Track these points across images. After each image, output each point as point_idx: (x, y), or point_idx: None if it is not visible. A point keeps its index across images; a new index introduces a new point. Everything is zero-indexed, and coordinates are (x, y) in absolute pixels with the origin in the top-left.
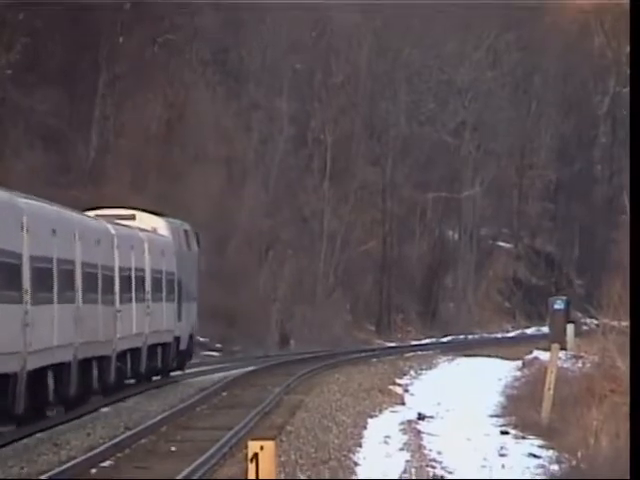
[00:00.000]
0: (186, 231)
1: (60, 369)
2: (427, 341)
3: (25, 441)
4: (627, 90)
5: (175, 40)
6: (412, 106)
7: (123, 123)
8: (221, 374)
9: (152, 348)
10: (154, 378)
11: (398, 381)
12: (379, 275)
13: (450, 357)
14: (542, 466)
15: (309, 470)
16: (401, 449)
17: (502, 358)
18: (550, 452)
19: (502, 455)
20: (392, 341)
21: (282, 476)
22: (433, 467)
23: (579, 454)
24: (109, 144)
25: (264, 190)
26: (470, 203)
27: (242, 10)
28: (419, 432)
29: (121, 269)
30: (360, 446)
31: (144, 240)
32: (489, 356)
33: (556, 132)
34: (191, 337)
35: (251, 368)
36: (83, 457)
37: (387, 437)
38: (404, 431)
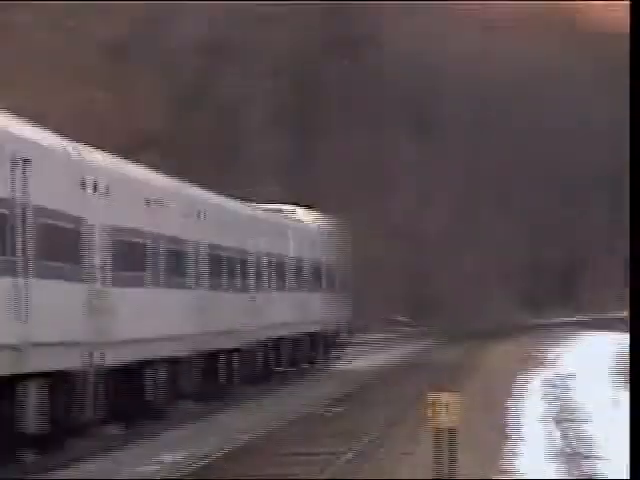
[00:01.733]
0: (334, 226)
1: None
2: (569, 319)
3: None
4: None
5: None
6: None
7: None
8: (413, 346)
9: (304, 337)
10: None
11: (549, 348)
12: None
13: (587, 331)
14: None
15: (482, 410)
16: (549, 397)
17: (624, 332)
18: None
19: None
20: (545, 319)
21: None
22: (576, 421)
23: None
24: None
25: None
26: None
27: None
28: (563, 387)
29: (268, 254)
30: (520, 394)
31: (292, 228)
32: (616, 330)
33: None
34: (343, 326)
35: (435, 341)
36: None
37: (536, 390)
38: (552, 384)
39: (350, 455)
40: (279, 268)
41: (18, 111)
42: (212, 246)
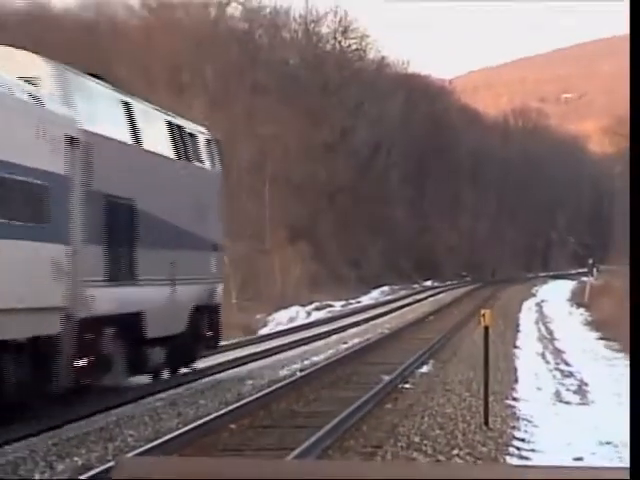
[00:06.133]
0: (191, 134)
1: None
2: (544, 274)
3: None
4: None
5: None
6: None
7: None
8: (469, 287)
9: None
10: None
11: (533, 288)
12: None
13: (553, 280)
14: (586, 319)
15: (502, 318)
16: (535, 311)
17: (570, 280)
18: (588, 313)
19: (570, 314)
20: (532, 274)
21: (493, 321)
22: (548, 322)
23: (601, 315)
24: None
25: None
26: None
27: None
28: (541, 306)
29: None
30: (520, 311)
31: None
32: (566, 279)
33: None
34: (199, 309)
35: (478, 284)
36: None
37: (529, 308)
38: (537, 305)
39: (438, 337)
40: None
41: None
42: None
